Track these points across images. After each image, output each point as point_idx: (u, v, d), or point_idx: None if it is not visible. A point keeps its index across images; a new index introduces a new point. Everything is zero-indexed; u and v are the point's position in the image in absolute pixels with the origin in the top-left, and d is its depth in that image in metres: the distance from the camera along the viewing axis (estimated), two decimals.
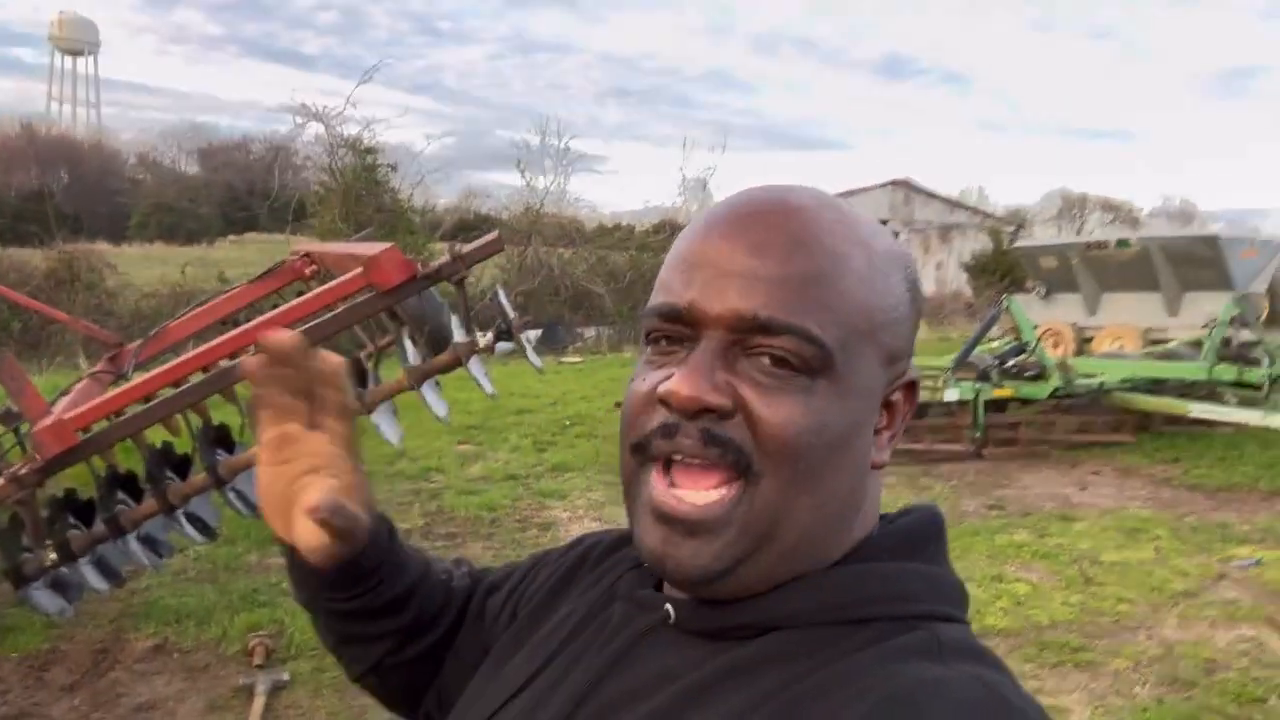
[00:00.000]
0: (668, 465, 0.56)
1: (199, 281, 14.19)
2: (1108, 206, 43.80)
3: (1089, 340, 11.77)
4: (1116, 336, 11.63)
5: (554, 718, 0.59)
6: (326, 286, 3.81)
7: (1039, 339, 8.03)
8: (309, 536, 0.68)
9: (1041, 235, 25.25)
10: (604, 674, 0.60)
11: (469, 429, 7.85)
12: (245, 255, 20.18)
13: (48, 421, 3.37)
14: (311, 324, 3.52)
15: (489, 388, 3.44)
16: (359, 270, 3.59)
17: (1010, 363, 7.86)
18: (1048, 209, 44.08)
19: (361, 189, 14.06)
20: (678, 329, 0.57)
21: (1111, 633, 4.13)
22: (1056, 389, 7.66)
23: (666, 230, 17.93)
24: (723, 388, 0.54)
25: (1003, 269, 19.67)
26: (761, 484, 0.55)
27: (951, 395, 7.43)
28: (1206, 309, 9.97)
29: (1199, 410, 7.33)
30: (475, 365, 3.40)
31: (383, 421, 3.55)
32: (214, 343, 3.89)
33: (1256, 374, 7.58)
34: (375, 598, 0.75)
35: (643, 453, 0.57)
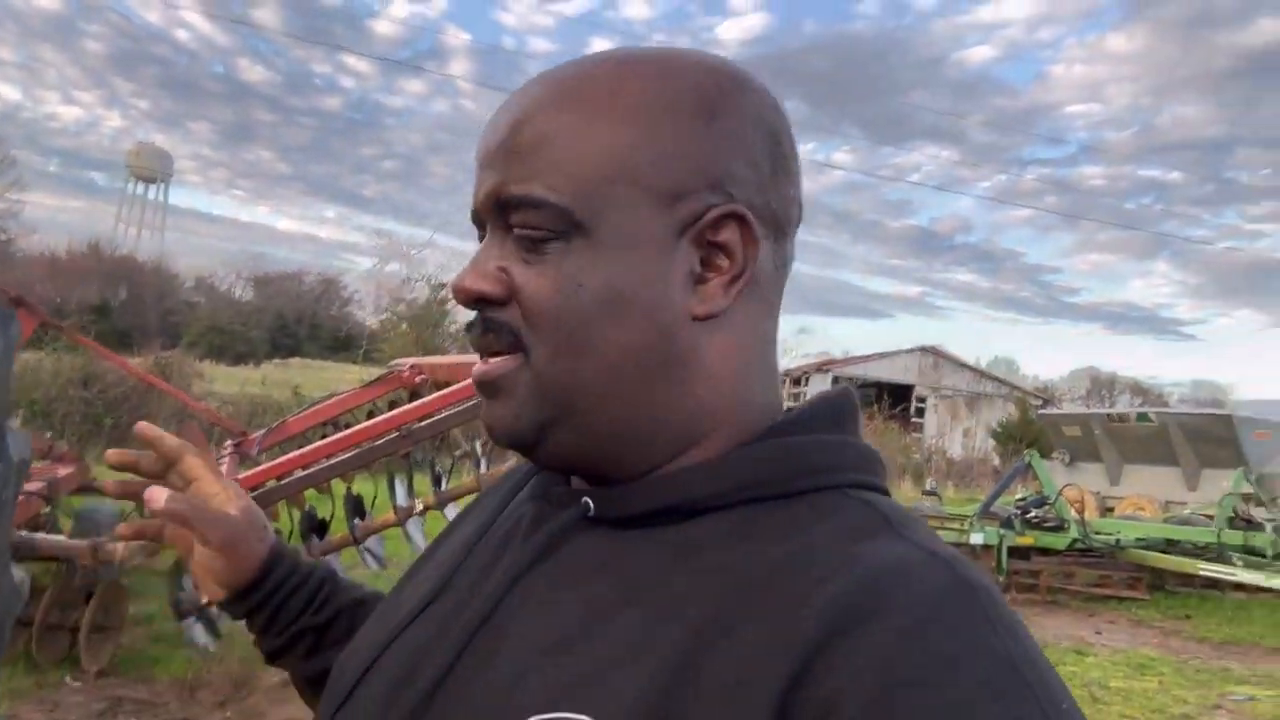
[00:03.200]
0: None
1: (267, 391, 15.29)
2: (1136, 389, 44.30)
3: (1111, 509, 12.24)
4: (1138, 506, 12.12)
5: (474, 621, 0.54)
6: (453, 389, 4.66)
7: (1060, 493, 8.68)
8: (201, 570, 0.73)
9: (1069, 410, 25.97)
10: (531, 565, 0.55)
11: None
12: (289, 376, 21.12)
13: (240, 476, 4.23)
14: (435, 419, 4.38)
15: None
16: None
17: (1032, 513, 8.48)
18: (1076, 387, 44.63)
19: (434, 319, 15.28)
20: (479, 231, 0.58)
21: None
22: (1074, 540, 8.23)
23: None
24: (493, 275, 0.54)
25: (1029, 437, 20.32)
26: (533, 352, 0.54)
27: (977, 539, 8.03)
28: (1223, 486, 10.52)
29: (1207, 569, 7.85)
30: None
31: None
32: (357, 429, 4.77)
33: (1262, 539, 8.14)
34: (315, 617, 0.75)
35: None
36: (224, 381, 17.73)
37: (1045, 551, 8.43)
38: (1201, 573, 7.94)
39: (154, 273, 44.83)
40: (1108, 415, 13.89)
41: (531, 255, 0.54)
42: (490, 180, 0.55)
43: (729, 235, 0.54)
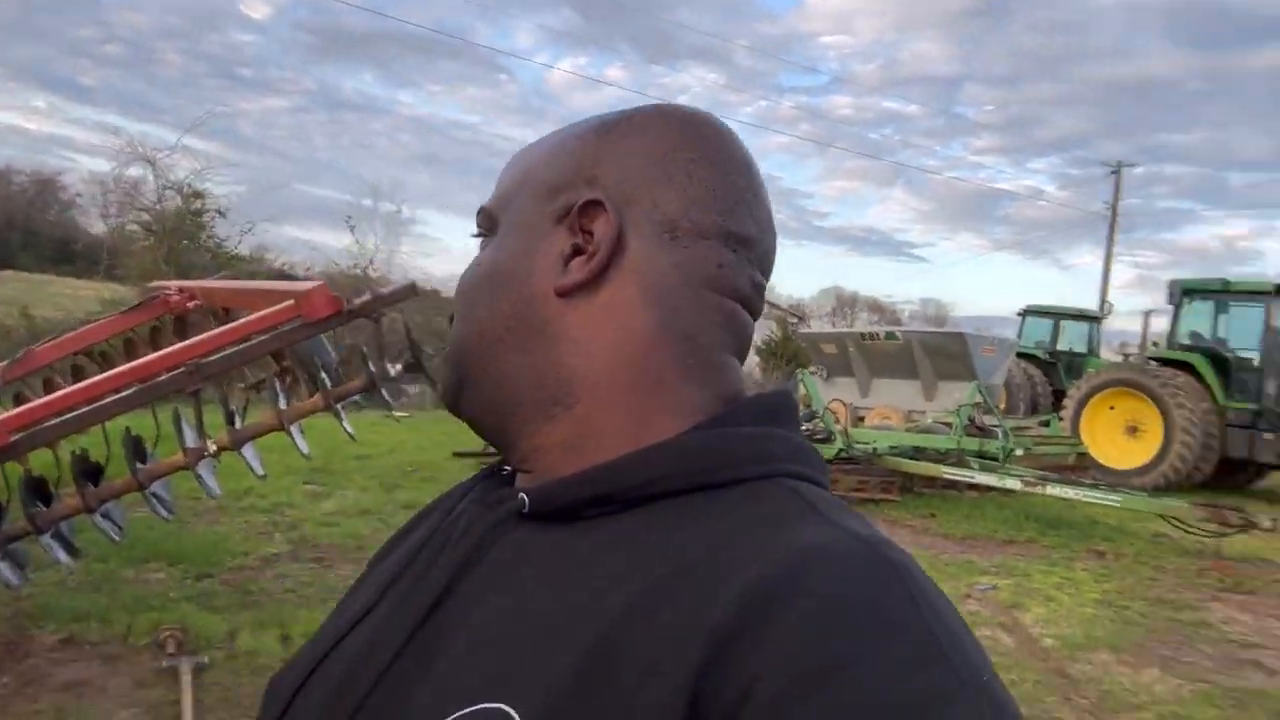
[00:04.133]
0: None
1: None
2: (875, 307, 48.35)
3: (861, 419, 13.43)
4: (885, 416, 13.39)
5: (411, 623, 0.54)
6: (257, 315, 4.31)
7: (826, 407, 9.39)
8: None
9: (819, 327, 27.98)
10: (460, 571, 0.56)
11: (312, 471, 8.14)
12: (8, 293, 18.09)
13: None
14: (232, 351, 4.05)
15: (349, 429, 4.06)
16: (290, 303, 4.16)
17: (804, 427, 9.11)
18: (824, 305, 48.06)
19: (186, 234, 13.89)
20: None
21: None
22: (840, 451, 8.97)
23: None
24: None
25: (788, 354, 21.77)
26: (453, 322, 0.65)
27: None
28: (956, 396, 11.79)
29: (950, 472, 8.83)
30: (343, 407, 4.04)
31: (250, 456, 4.09)
32: (132, 365, 4.31)
33: (996, 446, 9.25)
34: None
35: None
36: None
37: None
38: (945, 476, 8.92)
39: None
40: (860, 334, 15.10)
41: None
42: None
43: (600, 225, 0.59)
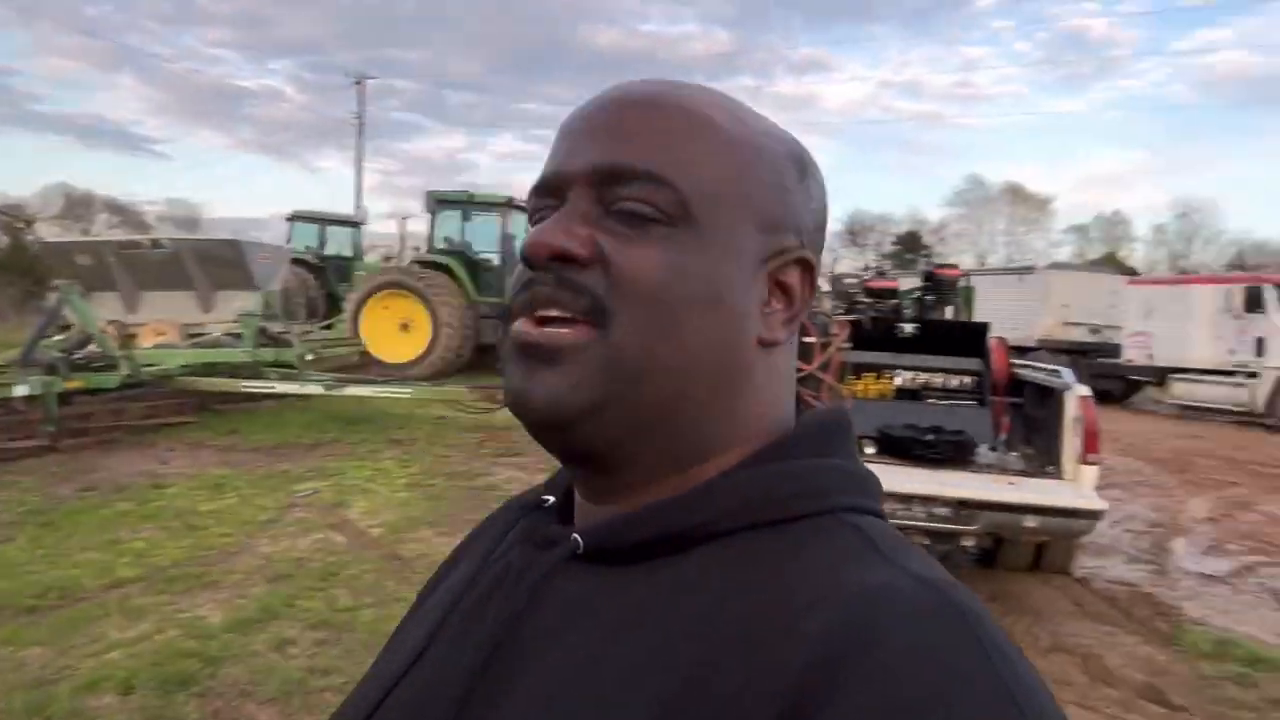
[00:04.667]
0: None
1: None
2: (115, 208, 43.56)
3: (133, 336, 12.30)
4: (160, 332, 12.45)
5: (467, 673, 0.53)
6: None
7: (103, 330, 8.42)
8: None
9: (48, 233, 24.14)
10: (515, 619, 0.54)
11: None
12: None
13: None
14: None
15: None
16: None
17: (78, 354, 8.07)
18: (50, 204, 41.64)
19: None
20: (548, 201, 0.57)
21: (222, 559, 5.08)
22: (127, 378, 8.18)
23: None
24: (581, 237, 0.53)
25: (22, 266, 18.47)
26: (615, 321, 0.52)
27: (21, 391, 7.33)
28: (236, 305, 11.54)
29: (251, 386, 8.74)
30: None
31: None
32: None
33: (291, 354, 9.38)
34: None
35: (509, 314, 0.56)
36: None
37: (94, 392, 8.18)
38: (245, 390, 8.79)
39: None
40: (121, 242, 13.67)
41: (634, 232, 0.54)
42: (599, 151, 0.55)
43: (793, 277, 0.58)
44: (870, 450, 5.08)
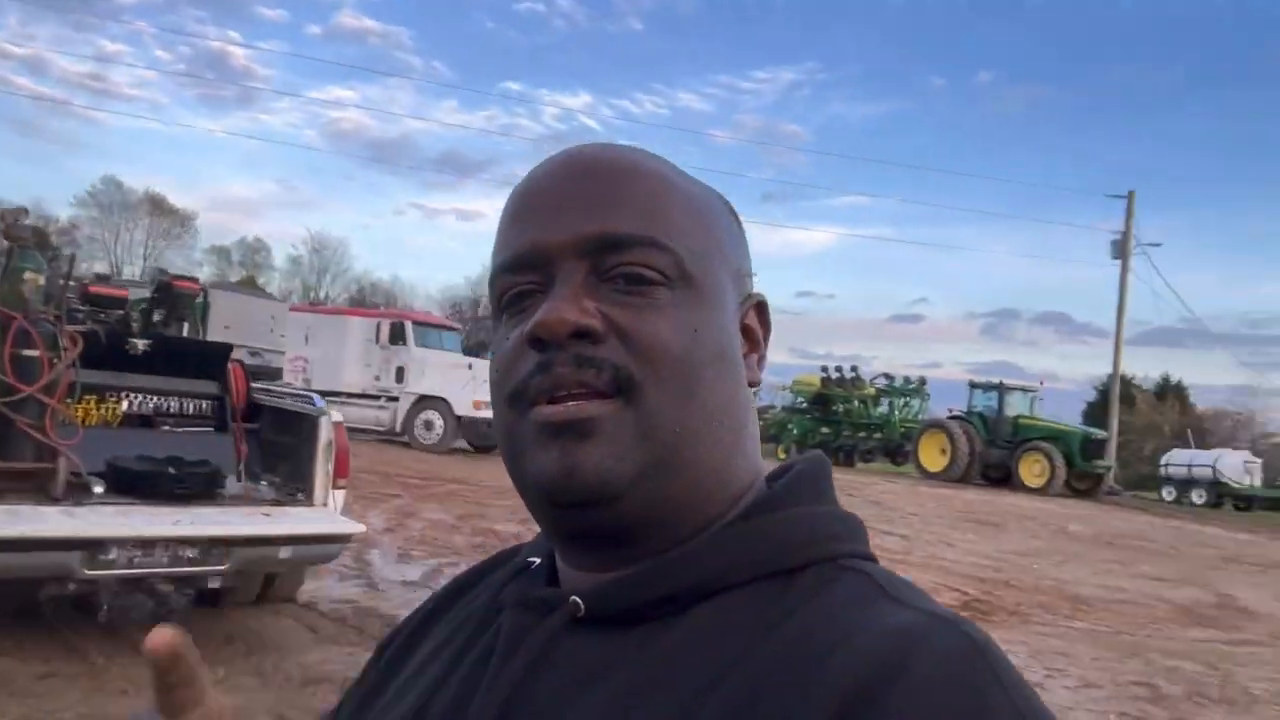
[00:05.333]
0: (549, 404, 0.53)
1: None
2: None
3: None
4: None
5: None
6: None
7: None
8: None
9: None
10: (516, 689, 0.52)
11: None
12: None
13: None
14: None
15: None
16: None
17: None
18: None
19: None
20: (529, 277, 0.55)
21: None
22: None
23: None
24: (591, 311, 0.53)
25: None
26: (644, 390, 0.52)
27: None
28: None
29: None
30: None
31: None
32: None
33: None
34: None
35: (521, 399, 0.53)
36: None
37: None
38: None
39: None
40: None
41: (636, 299, 0.54)
42: (583, 221, 0.54)
43: (753, 319, 0.62)
44: (99, 490, 4.33)
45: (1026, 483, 20.91)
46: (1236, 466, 25.28)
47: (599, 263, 0.54)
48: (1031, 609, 7.53)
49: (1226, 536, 16.23)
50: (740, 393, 0.57)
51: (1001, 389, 22.81)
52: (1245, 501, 24.63)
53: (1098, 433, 22.88)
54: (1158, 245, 29.52)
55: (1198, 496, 25.02)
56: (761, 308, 0.62)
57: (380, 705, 0.61)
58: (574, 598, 0.53)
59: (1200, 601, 8.89)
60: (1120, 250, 28.56)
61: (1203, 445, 29.16)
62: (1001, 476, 21.70)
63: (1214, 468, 25.16)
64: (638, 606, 0.52)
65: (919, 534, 11.45)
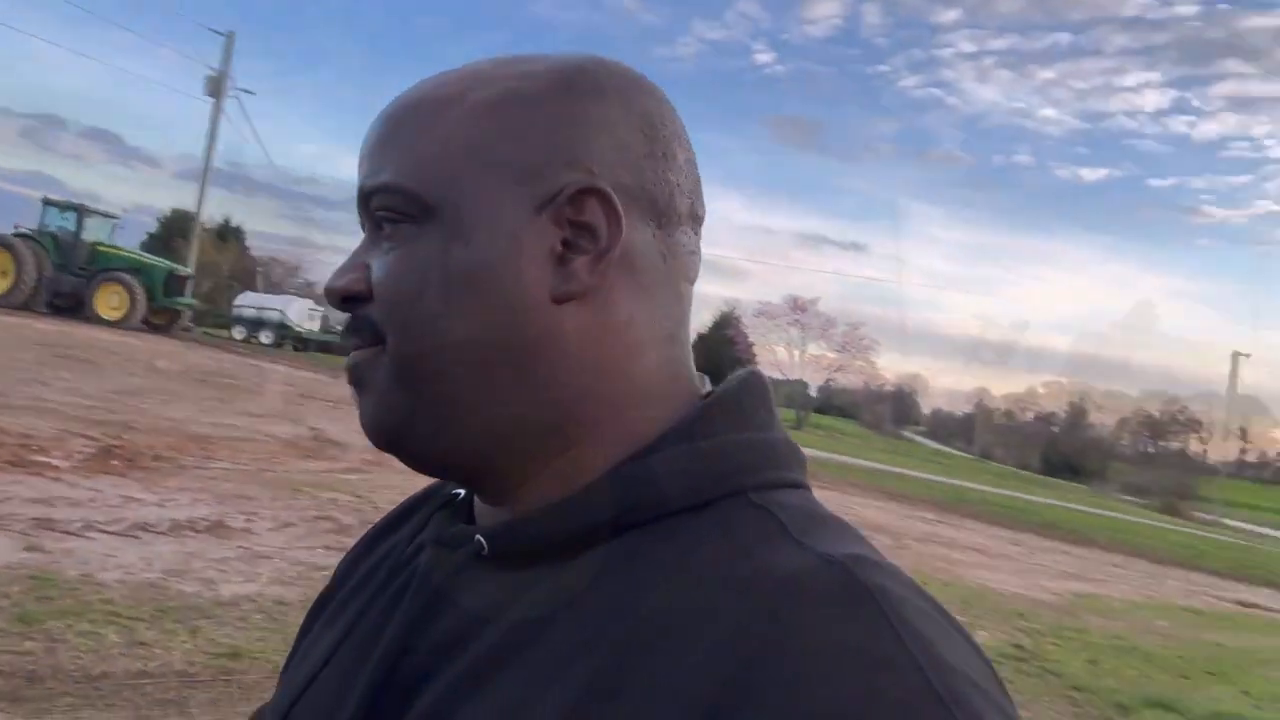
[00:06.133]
0: None
1: None
2: None
3: None
4: None
5: (369, 685, 0.51)
6: None
7: None
8: None
9: None
10: (417, 625, 0.52)
11: None
12: None
13: None
14: None
15: None
16: None
17: None
18: None
19: None
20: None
21: None
22: None
23: None
24: (354, 271, 0.54)
25: None
26: (389, 342, 0.52)
27: None
28: None
29: None
30: None
31: None
32: None
33: None
34: None
35: None
36: None
37: None
38: None
39: None
40: None
41: (389, 242, 0.53)
42: (361, 175, 0.55)
43: (593, 214, 0.51)
44: None
45: (102, 315, 19.66)
46: (302, 312, 28.03)
47: (370, 213, 0.55)
48: (169, 454, 7.28)
49: (298, 375, 17.95)
50: (525, 309, 0.51)
51: (81, 211, 20.76)
52: (303, 344, 27.39)
53: (182, 269, 22.60)
54: (252, 93, 29.98)
55: (265, 337, 27.01)
56: (602, 197, 0.51)
57: (314, 634, 0.62)
58: (479, 536, 0.53)
59: (301, 436, 9.76)
60: (216, 88, 28.32)
61: (252, 287, 31.36)
62: (72, 306, 19.93)
63: (282, 312, 27.41)
64: (538, 546, 0.50)
65: (5, 372, 9.88)
